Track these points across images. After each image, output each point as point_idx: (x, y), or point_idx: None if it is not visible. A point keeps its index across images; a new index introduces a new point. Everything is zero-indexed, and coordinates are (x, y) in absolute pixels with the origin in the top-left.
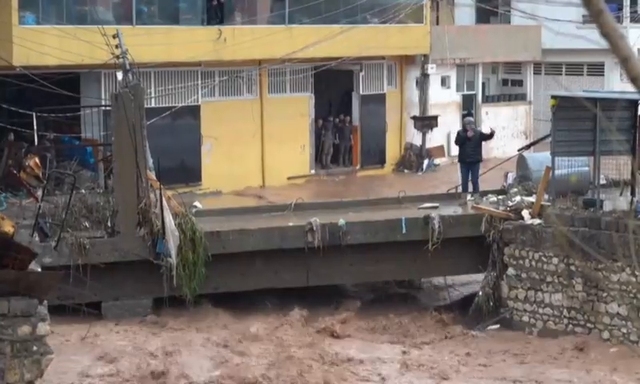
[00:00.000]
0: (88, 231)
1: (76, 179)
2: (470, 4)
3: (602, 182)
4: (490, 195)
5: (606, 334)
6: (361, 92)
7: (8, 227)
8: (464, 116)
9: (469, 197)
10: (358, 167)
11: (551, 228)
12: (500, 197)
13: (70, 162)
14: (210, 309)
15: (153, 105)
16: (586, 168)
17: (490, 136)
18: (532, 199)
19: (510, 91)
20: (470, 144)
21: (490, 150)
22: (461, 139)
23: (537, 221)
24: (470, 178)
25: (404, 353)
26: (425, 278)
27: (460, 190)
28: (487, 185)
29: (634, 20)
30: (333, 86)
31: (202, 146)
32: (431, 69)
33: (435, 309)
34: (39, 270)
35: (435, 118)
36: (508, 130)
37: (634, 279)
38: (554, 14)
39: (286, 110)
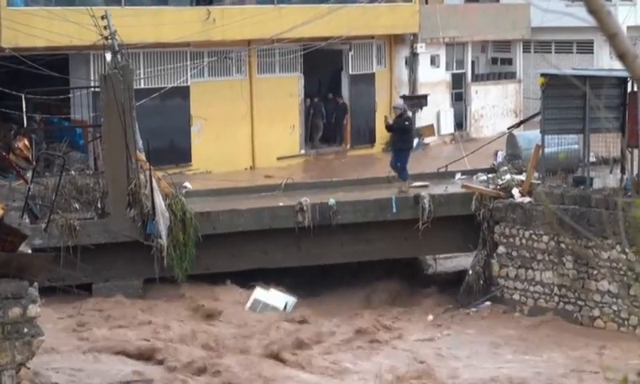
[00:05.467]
0: (78, 213)
1: (65, 161)
2: None
3: (592, 159)
4: (480, 174)
5: (596, 312)
6: (350, 71)
7: None
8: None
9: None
10: (347, 147)
11: (541, 206)
12: (490, 175)
13: (60, 143)
14: None
15: (142, 86)
16: (576, 146)
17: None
18: (522, 177)
19: (499, 70)
20: (396, 130)
21: (480, 129)
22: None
23: (527, 199)
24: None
25: None
26: (415, 256)
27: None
28: (477, 163)
29: None
30: (322, 65)
31: (192, 127)
32: (420, 48)
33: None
34: (29, 251)
35: (425, 96)
36: (498, 108)
37: (623, 256)
38: None
39: (276, 90)
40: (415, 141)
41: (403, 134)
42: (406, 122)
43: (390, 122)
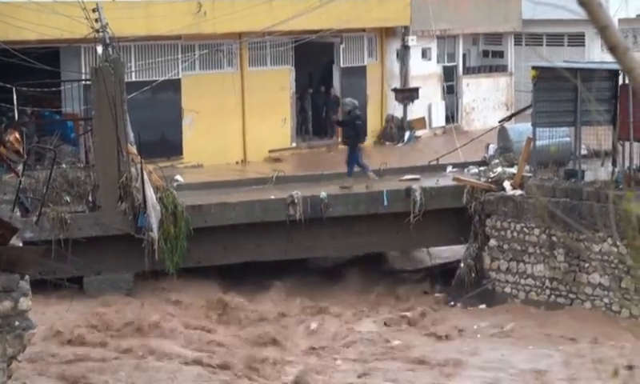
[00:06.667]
0: (69, 206)
1: (57, 154)
2: None
3: (583, 152)
4: (471, 166)
5: (587, 304)
6: (341, 64)
7: None
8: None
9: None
10: (339, 140)
11: (533, 199)
12: (481, 168)
13: (51, 136)
14: None
15: (133, 79)
16: (567, 138)
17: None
18: (513, 170)
19: (490, 62)
20: (346, 127)
21: (471, 122)
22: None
23: (518, 192)
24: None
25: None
26: (406, 249)
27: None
28: (469, 156)
29: None
30: (313, 58)
31: (183, 120)
32: (412, 40)
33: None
34: (20, 245)
35: (416, 89)
36: (489, 101)
37: (615, 249)
38: None
39: (267, 84)
40: (406, 134)
41: (352, 131)
42: (358, 120)
43: (340, 118)
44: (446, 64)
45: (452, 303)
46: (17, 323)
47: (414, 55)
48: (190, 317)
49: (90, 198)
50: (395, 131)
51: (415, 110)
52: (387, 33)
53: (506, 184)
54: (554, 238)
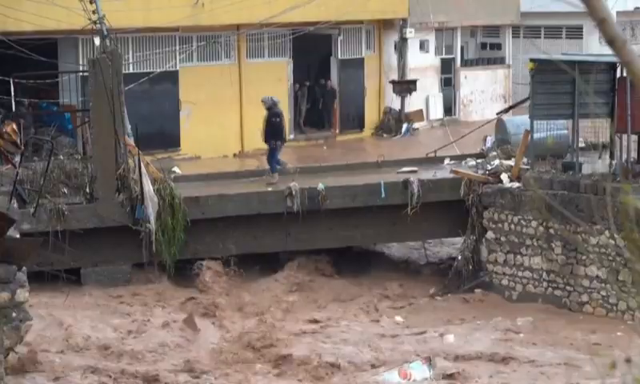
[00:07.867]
0: (66, 197)
1: (54, 145)
2: None
3: (581, 144)
4: (469, 159)
5: (585, 297)
6: (339, 56)
7: None
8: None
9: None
10: (337, 132)
11: (530, 191)
12: (479, 160)
13: (48, 128)
14: None
15: (131, 70)
16: (565, 131)
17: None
18: (511, 163)
19: (488, 55)
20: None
21: (469, 114)
22: None
23: (516, 184)
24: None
25: None
26: (404, 242)
27: None
28: (466, 149)
29: None
30: (311, 50)
31: (181, 112)
32: (410, 33)
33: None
34: (18, 236)
35: (414, 82)
36: (487, 93)
37: (612, 242)
38: None
39: (265, 75)
40: (404, 126)
41: (270, 128)
42: (273, 118)
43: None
44: (444, 56)
45: (448, 295)
46: (14, 315)
47: (412, 47)
48: None
49: (88, 190)
50: (393, 123)
51: (413, 103)
52: (385, 25)
53: (504, 176)
54: (551, 231)
